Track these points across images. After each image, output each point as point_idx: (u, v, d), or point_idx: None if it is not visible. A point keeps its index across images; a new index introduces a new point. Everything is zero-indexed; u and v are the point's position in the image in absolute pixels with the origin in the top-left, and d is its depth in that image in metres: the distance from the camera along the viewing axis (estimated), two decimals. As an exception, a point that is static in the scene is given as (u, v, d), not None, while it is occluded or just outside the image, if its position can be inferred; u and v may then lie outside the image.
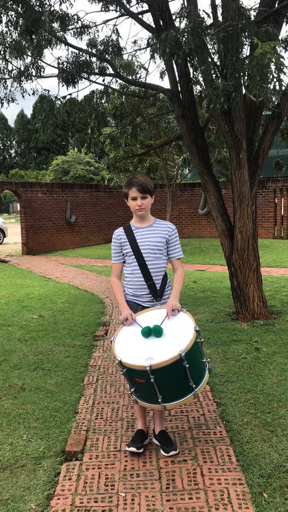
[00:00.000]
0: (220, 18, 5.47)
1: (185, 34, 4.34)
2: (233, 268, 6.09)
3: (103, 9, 6.64)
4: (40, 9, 5.80)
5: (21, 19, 5.77)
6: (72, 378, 4.37)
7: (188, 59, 4.56)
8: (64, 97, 6.56)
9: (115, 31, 6.86)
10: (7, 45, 6.18)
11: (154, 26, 6.11)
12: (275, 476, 2.69)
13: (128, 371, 2.73)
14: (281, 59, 3.53)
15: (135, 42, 7.69)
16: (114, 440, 3.23)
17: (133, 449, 2.99)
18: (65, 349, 5.23)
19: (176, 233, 3.19)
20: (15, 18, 5.87)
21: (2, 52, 6.26)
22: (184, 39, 4.35)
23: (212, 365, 4.49)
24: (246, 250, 5.92)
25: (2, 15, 5.90)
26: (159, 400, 2.68)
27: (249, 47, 5.05)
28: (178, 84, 6.19)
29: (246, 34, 4.36)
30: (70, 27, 6.49)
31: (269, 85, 3.70)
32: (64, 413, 3.65)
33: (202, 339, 2.83)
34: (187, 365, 2.60)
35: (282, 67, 3.52)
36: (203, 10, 5.60)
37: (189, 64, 4.81)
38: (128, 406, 3.75)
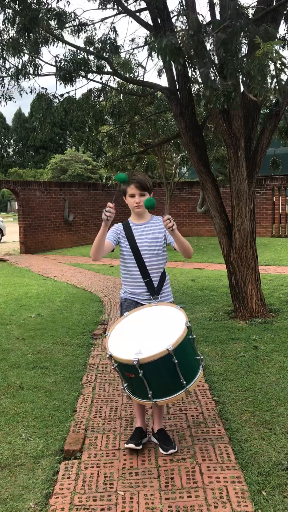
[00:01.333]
0: (218, 17, 5.46)
1: (185, 38, 4.33)
2: (231, 266, 6.09)
3: (100, 6, 6.63)
4: (37, 6, 5.79)
5: (18, 16, 5.75)
6: (70, 377, 4.37)
7: (187, 61, 4.56)
8: (62, 95, 6.56)
9: (112, 29, 6.85)
10: (4, 43, 6.16)
11: (152, 24, 6.10)
12: (274, 474, 2.70)
13: (119, 365, 2.75)
14: (283, 59, 3.52)
15: (132, 40, 7.65)
16: (112, 438, 3.23)
17: (132, 445, 2.99)
18: (63, 348, 5.23)
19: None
20: (12, 16, 5.85)
21: (-1, 50, 6.25)
22: (183, 44, 4.33)
23: (211, 364, 4.49)
24: (244, 249, 5.92)
25: (-1, 13, 5.88)
26: (149, 395, 2.69)
27: (247, 46, 5.04)
28: (176, 83, 6.19)
29: (245, 33, 4.35)
30: (67, 25, 6.48)
31: (270, 84, 3.69)
32: (63, 412, 3.65)
33: (194, 336, 2.83)
34: (176, 361, 2.60)
35: (283, 67, 3.52)
36: (201, 14, 5.59)
37: (188, 67, 4.80)
38: (126, 404, 3.75)
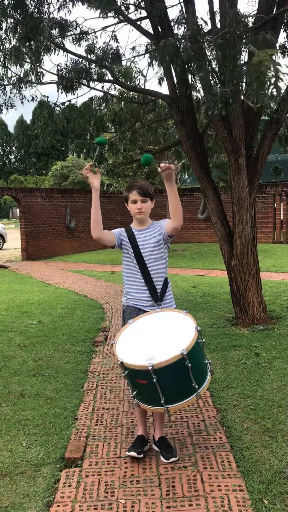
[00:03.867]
0: (218, 25, 5.50)
1: (183, 41, 4.37)
2: (232, 273, 6.09)
3: (101, 15, 6.68)
4: (38, 15, 5.83)
5: (20, 25, 5.79)
6: (71, 384, 4.37)
7: (186, 66, 4.59)
8: (63, 103, 6.59)
9: (113, 38, 6.90)
10: (6, 51, 6.20)
11: (152, 32, 6.14)
12: (275, 482, 2.69)
13: (130, 372, 2.72)
14: (278, 67, 3.55)
15: (133, 48, 7.69)
16: (114, 446, 3.22)
17: (133, 453, 2.98)
18: (64, 355, 5.23)
19: (166, 220, 3.16)
20: (14, 25, 5.90)
21: (1, 59, 6.29)
22: (182, 46, 4.37)
23: (213, 370, 4.48)
24: (245, 255, 5.93)
25: (1, 22, 5.93)
26: (162, 401, 2.67)
27: (246, 53, 5.07)
28: (177, 90, 6.22)
29: (244, 41, 4.38)
30: (68, 34, 6.53)
31: (266, 91, 3.72)
32: (64, 420, 3.64)
33: (204, 340, 2.83)
34: (189, 365, 2.60)
35: (279, 74, 3.54)
36: (201, 18, 5.63)
37: (187, 71, 4.83)
38: (128, 412, 3.74)
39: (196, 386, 2.69)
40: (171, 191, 2.90)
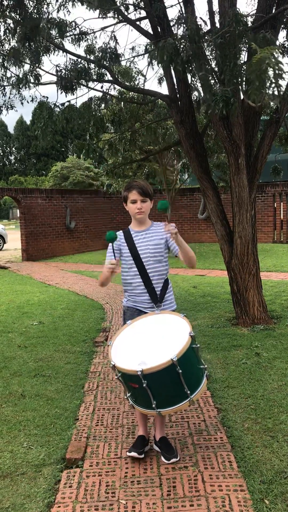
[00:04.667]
0: (217, 25, 5.50)
1: (183, 41, 4.37)
2: (232, 273, 6.09)
3: (101, 16, 6.67)
4: (38, 16, 5.83)
5: (19, 26, 5.79)
6: (72, 385, 4.36)
7: (186, 66, 4.58)
8: (63, 104, 6.59)
9: (113, 38, 6.89)
10: (5, 52, 6.20)
11: (152, 32, 6.14)
12: (277, 482, 2.68)
13: (123, 375, 2.73)
14: (280, 65, 3.54)
15: (133, 48, 7.69)
16: (114, 447, 3.22)
17: (134, 454, 2.98)
18: (65, 356, 5.22)
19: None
20: (13, 26, 5.89)
21: (0, 60, 6.29)
22: (182, 46, 4.37)
23: (213, 371, 4.47)
24: (245, 255, 5.92)
25: (0, 23, 5.93)
26: (153, 405, 2.67)
27: (246, 53, 5.07)
28: (177, 90, 6.22)
29: (244, 40, 4.38)
30: (68, 34, 6.52)
31: (267, 90, 3.71)
32: (65, 420, 3.64)
33: (198, 345, 2.81)
34: (180, 371, 2.58)
35: (280, 73, 3.53)
36: (200, 18, 5.63)
37: (187, 71, 4.83)
38: (128, 412, 3.74)
39: (188, 392, 2.67)
40: (182, 247, 2.95)
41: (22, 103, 6.77)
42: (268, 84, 3.75)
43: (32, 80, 6.35)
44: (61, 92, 6.34)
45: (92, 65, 6.60)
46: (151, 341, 2.78)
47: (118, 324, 6.45)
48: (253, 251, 5.99)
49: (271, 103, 5.40)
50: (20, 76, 6.28)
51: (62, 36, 6.33)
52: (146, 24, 6.72)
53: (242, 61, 4.66)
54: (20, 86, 6.25)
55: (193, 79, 5.81)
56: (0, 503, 2.64)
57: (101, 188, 16.54)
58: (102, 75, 6.76)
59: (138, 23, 6.47)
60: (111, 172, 10.22)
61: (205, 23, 5.49)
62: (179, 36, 4.51)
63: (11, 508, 2.59)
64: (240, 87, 4.65)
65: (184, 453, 3.08)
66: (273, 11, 5.50)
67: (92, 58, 6.76)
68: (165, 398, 2.69)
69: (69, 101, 6.60)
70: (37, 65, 6.27)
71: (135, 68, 8.26)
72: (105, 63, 6.59)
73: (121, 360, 2.70)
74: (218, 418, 3.55)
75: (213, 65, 4.93)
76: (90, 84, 6.69)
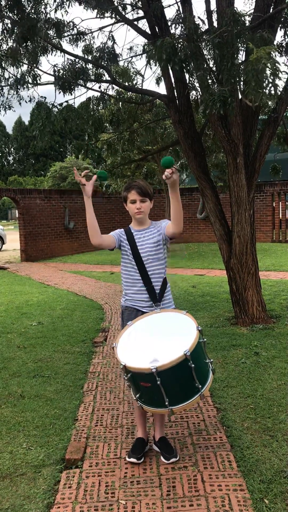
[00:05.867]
0: (215, 24, 5.50)
1: (181, 40, 4.37)
2: (231, 272, 6.09)
3: (98, 15, 6.67)
4: (35, 16, 5.83)
5: (16, 26, 5.79)
6: (71, 385, 4.36)
7: (184, 65, 4.58)
8: (61, 104, 6.59)
9: (110, 38, 6.90)
10: (2, 53, 6.20)
11: (150, 32, 6.14)
12: (276, 482, 2.68)
13: (133, 375, 2.69)
14: (276, 64, 3.54)
15: (131, 48, 7.71)
16: (114, 447, 3.21)
17: (133, 460, 2.97)
18: (64, 356, 5.22)
19: (165, 220, 3.14)
20: (10, 26, 5.89)
21: (-2, 60, 6.29)
22: (179, 45, 4.37)
23: (214, 369, 4.46)
24: (244, 254, 5.92)
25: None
26: (166, 403, 2.65)
27: (244, 52, 5.07)
28: (175, 90, 6.21)
29: (241, 39, 4.38)
30: (65, 34, 6.52)
31: (264, 90, 3.71)
32: (64, 421, 3.64)
33: (205, 339, 2.82)
34: (193, 365, 2.58)
35: (277, 72, 3.54)
36: (198, 17, 5.63)
37: (185, 70, 4.83)
38: (128, 412, 3.73)
39: (200, 386, 2.67)
40: (174, 197, 2.82)
41: (20, 104, 6.77)
42: (265, 84, 3.76)
43: (30, 81, 6.35)
44: (59, 92, 6.34)
45: (90, 65, 6.60)
46: (158, 339, 2.76)
47: (117, 324, 6.45)
48: (252, 251, 5.99)
49: (269, 103, 5.40)
50: (18, 76, 6.28)
51: (60, 36, 6.33)
52: (144, 24, 6.74)
53: (240, 61, 4.66)
54: (18, 86, 6.25)
55: (191, 78, 5.80)
56: (0, 504, 2.64)
57: (100, 188, 16.56)
58: (100, 75, 6.77)
59: (136, 23, 6.48)
60: (109, 172, 10.22)
61: (203, 23, 5.49)
62: (177, 36, 4.51)
63: (11, 509, 2.59)
64: (238, 86, 4.66)
65: (183, 453, 3.08)
66: (271, 10, 5.50)
67: (90, 58, 6.76)
68: (177, 394, 2.67)
69: (67, 101, 6.60)
70: (35, 65, 6.27)
71: (133, 68, 8.27)
72: (103, 63, 6.60)
73: (131, 360, 2.67)
74: (218, 417, 3.55)
75: (211, 65, 4.93)
76: (88, 84, 6.69)
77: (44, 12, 6.08)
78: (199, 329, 2.71)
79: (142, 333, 2.83)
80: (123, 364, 2.65)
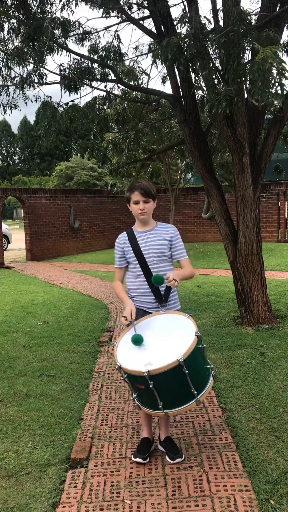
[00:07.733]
0: (221, 23, 5.48)
1: (187, 40, 4.36)
2: (237, 272, 6.07)
3: (104, 15, 6.67)
4: (41, 16, 5.83)
5: (22, 26, 5.80)
6: (77, 385, 4.37)
7: (189, 65, 4.57)
8: (66, 104, 6.59)
9: (116, 37, 6.89)
10: (9, 52, 6.21)
11: (155, 31, 6.13)
12: (282, 482, 2.67)
13: (129, 376, 2.72)
14: (283, 64, 3.53)
15: (136, 47, 7.69)
16: (119, 446, 3.21)
17: (139, 460, 2.97)
18: (69, 355, 5.23)
19: (178, 235, 3.16)
20: (17, 26, 5.90)
21: (4, 60, 6.30)
22: (185, 45, 4.36)
23: (217, 370, 4.46)
24: (250, 254, 5.91)
25: (4, 23, 5.93)
26: (160, 406, 2.66)
27: (250, 52, 5.05)
28: (180, 89, 6.21)
29: (247, 39, 4.37)
30: (71, 34, 6.52)
31: (271, 89, 3.70)
32: (69, 420, 3.64)
33: (204, 345, 2.80)
34: (187, 371, 2.57)
35: (283, 72, 3.52)
36: (204, 16, 5.62)
37: (190, 70, 4.82)
38: (133, 412, 3.73)
39: (195, 392, 2.66)
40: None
41: (25, 103, 6.79)
42: (271, 83, 3.74)
43: (36, 80, 6.36)
44: (65, 92, 6.35)
45: (96, 65, 6.60)
46: (156, 342, 2.77)
47: (122, 324, 6.45)
48: (258, 250, 5.97)
49: (275, 102, 5.38)
50: (24, 76, 6.29)
51: (66, 36, 6.34)
52: (149, 23, 6.72)
53: (246, 60, 4.65)
54: (24, 85, 6.26)
55: (196, 78, 5.80)
56: (5, 503, 2.64)
57: (105, 187, 16.55)
58: (105, 74, 6.76)
59: (141, 22, 6.47)
60: (115, 171, 10.23)
61: (209, 22, 5.48)
62: (183, 35, 4.50)
63: (16, 508, 2.60)
64: (244, 86, 4.64)
65: (189, 453, 3.08)
66: (277, 9, 5.48)
67: (95, 57, 6.76)
68: (171, 399, 2.68)
69: (72, 101, 6.60)
70: (40, 64, 6.27)
71: (139, 67, 8.24)
72: (108, 62, 6.59)
73: (127, 361, 2.68)
74: (223, 418, 3.54)
75: (216, 64, 4.92)
76: (94, 83, 6.69)
77: (50, 11, 6.09)
78: (198, 334, 2.68)
79: (143, 334, 2.83)
80: (119, 364, 2.69)
